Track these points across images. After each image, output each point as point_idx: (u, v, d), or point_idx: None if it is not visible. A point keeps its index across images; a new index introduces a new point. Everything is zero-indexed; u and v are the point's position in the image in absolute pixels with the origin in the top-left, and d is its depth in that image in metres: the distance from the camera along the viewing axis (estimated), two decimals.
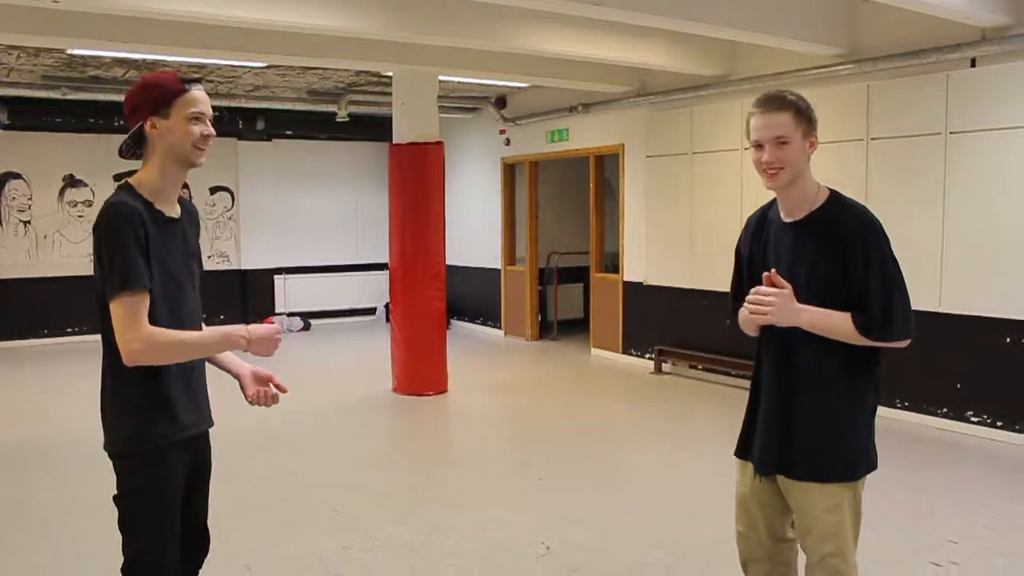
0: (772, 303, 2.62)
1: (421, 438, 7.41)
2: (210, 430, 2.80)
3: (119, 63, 9.12)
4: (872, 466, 2.78)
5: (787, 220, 2.76)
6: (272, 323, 2.83)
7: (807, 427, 2.72)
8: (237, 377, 2.79)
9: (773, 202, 2.86)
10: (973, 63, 6.68)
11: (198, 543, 2.80)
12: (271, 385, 2.80)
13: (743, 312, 2.76)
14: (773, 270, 2.66)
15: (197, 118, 2.56)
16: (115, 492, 2.56)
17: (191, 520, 2.74)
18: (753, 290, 2.68)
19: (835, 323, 2.62)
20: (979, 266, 6.67)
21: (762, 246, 2.85)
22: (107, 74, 9.74)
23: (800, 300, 2.63)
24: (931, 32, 6.72)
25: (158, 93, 2.54)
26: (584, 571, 4.32)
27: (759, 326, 2.76)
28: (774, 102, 2.65)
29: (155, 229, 2.50)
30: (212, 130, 2.61)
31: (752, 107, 2.70)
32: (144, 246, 2.44)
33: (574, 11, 6.37)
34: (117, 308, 2.40)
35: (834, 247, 2.64)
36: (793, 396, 2.74)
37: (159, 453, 2.54)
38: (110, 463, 2.59)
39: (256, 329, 2.59)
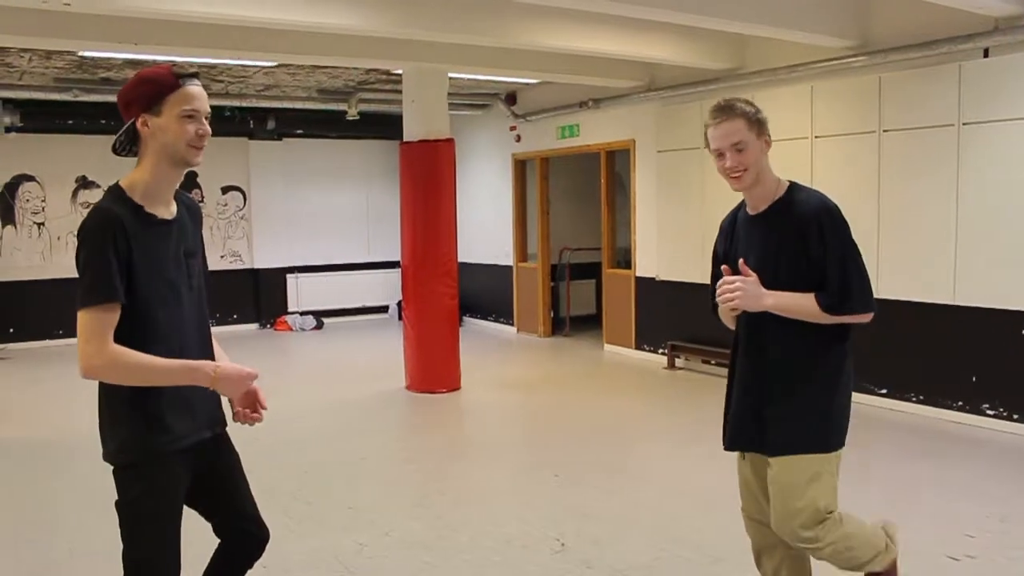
0: (738, 288, 2.78)
1: (434, 435, 7.42)
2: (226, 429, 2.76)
3: (130, 64, 9.15)
4: (842, 440, 2.89)
5: (752, 214, 2.96)
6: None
7: (777, 402, 2.85)
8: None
9: (742, 203, 3.05)
10: (986, 53, 6.63)
11: (252, 534, 2.84)
12: (257, 401, 2.72)
13: (721, 306, 2.94)
14: (741, 260, 2.83)
15: (191, 116, 2.45)
16: (116, 499, 2.53)
17: (242, 512, 2.78)
18: (720, 280, 2.86)
19: (799, 304, 2.77)
20: (993, 258, 6.62)
21: (734, 243, 3.03)
22: (118, 76, 9.78)
23: (770, 286, 2.79)
24: (943, 22, 6.68)
25: (149, 89, 2.43)
26: (598, 566, 4.31)
27: (735, 318, 2.96)
28: (725, 112, 2.87)
29: (145, 235, 2.42)
30: (208, 129, 2.49)
31: (707, 119, 2.93)
32: (125, 258, 2.36)
33: (583, 6, 6.37)
34: (82, 320, 2.32)
35: (794, 233, 2.81)
36: (766, 376, 2.88)
37: (153, 463, 2.48)
38: None
39: (225, 369, 2.47)
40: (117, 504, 2.52)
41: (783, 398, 2.84)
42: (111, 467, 2.53)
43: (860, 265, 2.79)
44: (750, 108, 2.87)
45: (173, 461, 2.51)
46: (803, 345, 2.83)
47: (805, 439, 2.81)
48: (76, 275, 2.38)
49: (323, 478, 5.94)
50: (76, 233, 2.41)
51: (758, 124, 2.85)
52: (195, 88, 2.47)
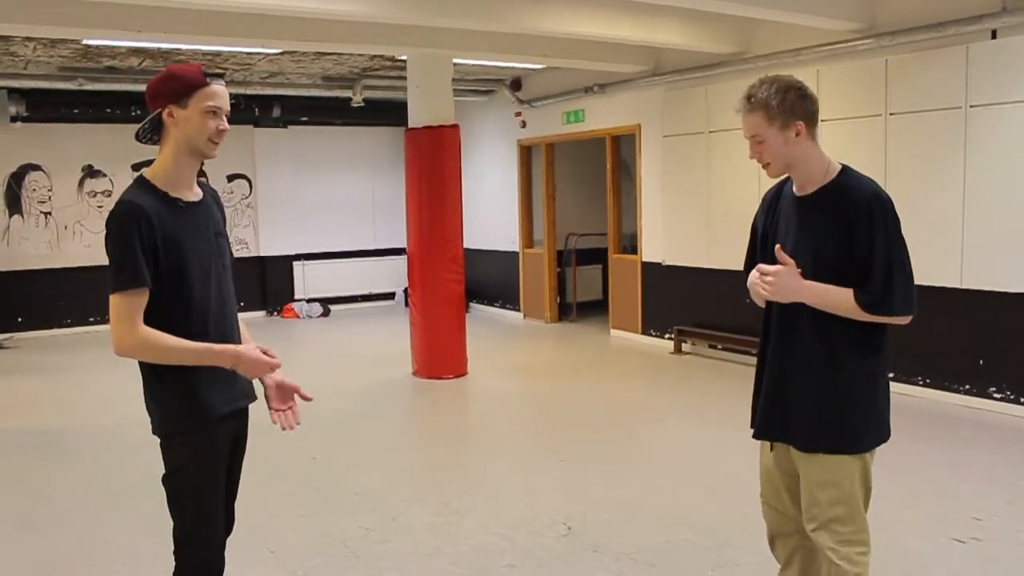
0: (772, 282, 2.67)
1: (441, 421, 7.44)
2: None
3: (134, 52, 9.15)
4: (880, 438, 2.78)
5: (798, 195, 2.81)
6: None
7: (808, 398, 2.75)
8: (264, 385, 2.83)
9: (789, 178, 2.89)
10: (994, 35, 6.59)
11: (229, 520, 2.86)
12: (295, 397, 2.92)
13: (751, 282, 2.81)
14: (779, 245, 2.70)
15: (214, 112, 2.63)
16: (163, 473, 2.65)
17: (229, 501, 2.83)
18: (756, 267, 2.75)
19: (836, 298, 2.64)
20: (1001, 241, 6.59)
21: (775, 220, 2.89)
22: (123, 64, 9.78)
23: (807, 273, 2.66)
24: (950, 4, 6.64)
25: (180, 84, 2.60)
26: (605, 550, 4.33)
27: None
28: (746, 103, 2.73)
29: (173, 218, 2.58)
30: (227, 125, 2.67)
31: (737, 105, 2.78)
32: (151, 244, 2.51)
33: None
34: (113, 303, 2.50)
35: (840, 221, 2.66)
36: (795, 367, 2.78)
37: (200, 430, 2.62)
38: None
39: (247, 354, 2.62)
40: (165, 477, 2.65)
41: (812, 392, 2.74)
42: (159, 439, 2.65)
43: (907, 265, 2.65)
44: (773, 99, 2.69)
45: (216, 427, 2.66)
46: (836, 338, 2.70)
47: (831, 438, 2.71)
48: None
49: (330, 464, 5.96)
50: (105, 223, 2.56)
51: (783, 114, 2.68)
52: (220, 87, 2.66)
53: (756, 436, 2.93)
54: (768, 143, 2.72)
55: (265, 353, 2.66)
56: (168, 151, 2.64)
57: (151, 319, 2.52)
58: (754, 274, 2.76)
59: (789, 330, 2.79)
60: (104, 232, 2.56)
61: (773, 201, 2.94)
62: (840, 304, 2.64)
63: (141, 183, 2.62)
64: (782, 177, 2.93)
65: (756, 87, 2.74)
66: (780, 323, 2.82)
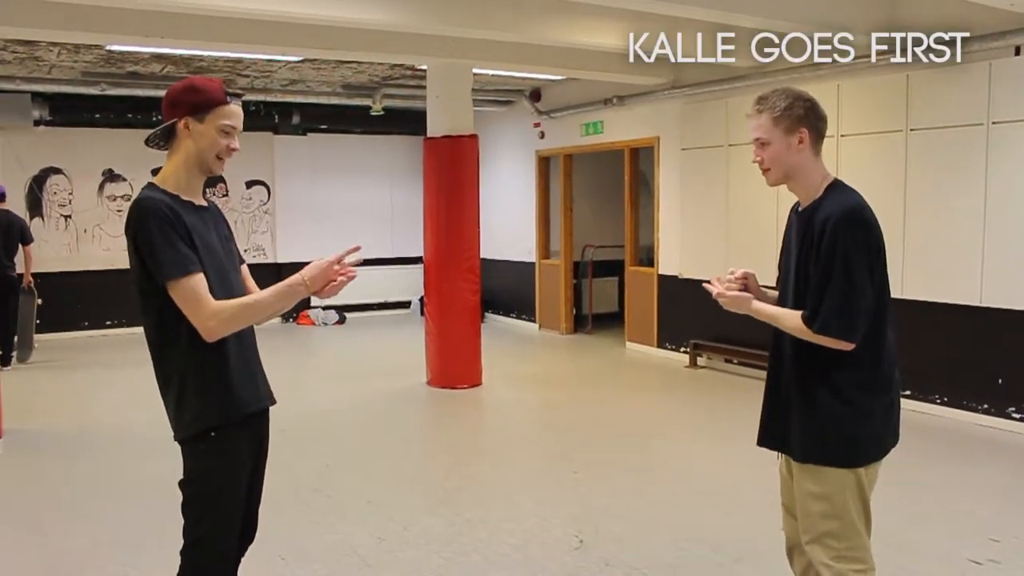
0: (719, 295, 2.85)
1: (455, 431, 7.43)
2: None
3: (157, 59, 9.22)
4: (873, 455, 2.75)
5: (799, 210, 2.88)
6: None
7: (801, 410, 2.78)
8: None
9: None
10: (1017, 51, 6.55)
11: (247, 530, 2.85)
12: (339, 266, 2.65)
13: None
14: (734, 272, 2.93)
15: (228, 131, 2.65)
16: (181, 477, 2.64)
17: (252, 508, 2.83)
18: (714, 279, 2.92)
19: (780, 317, 2.76)
20: (1021, 260, 6.53)
21: (787, 234, 2.97)
22: (145, 70, 9.85)
23: (801, 290, 2.74)
24: (973, 20, 6.59)
25: (200, 98, 2.62)
26: (617, 564, 4.30)
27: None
28: (757, 104, 2.80)
29: (190, 217, 2.60)
30: (238, 145, 2.70)
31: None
32: (185, 233, 2.53)
33: (609, 2, 6.33)
34: (178, 295, 2.49)
35: (810, 239, 2.71)
36: (790, 379, 2.81)
37: (223, 433, 2.61)
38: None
39: (309, 271, 2.61)
40: (184, 483, 2.63)
41: (802, 403, 2.75)
42: (181, 443, 2.63)
43: (844, 285, 2.59)
44: (780, 102, 2.75)
45: (240, 431, 2.67)
46: (825, 353, 2.68)
47: (820, 450, 2.71)
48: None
49: (344, 472, 5.96)
50: (125, 229, 2.57)
51: (789, 119, 2.73)
52: (238, 107, 2.68)
53: (758, 443, 2.97)
54: (772, 146, 2.76)
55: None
56: (178, 160, 2.66)
57: (177, 313, 2.50)
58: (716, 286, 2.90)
59: (783, 343, 2.84)
60: (132, 232, 2.54)
61: (790, 216, 2.98)
62: (786, 323, 2.74)
63: (152, 187, 2.64)
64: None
65: (768, 93, 2.81)
66: (775, 333, 2.88)
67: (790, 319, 2.72)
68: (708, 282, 2.98)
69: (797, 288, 2.77)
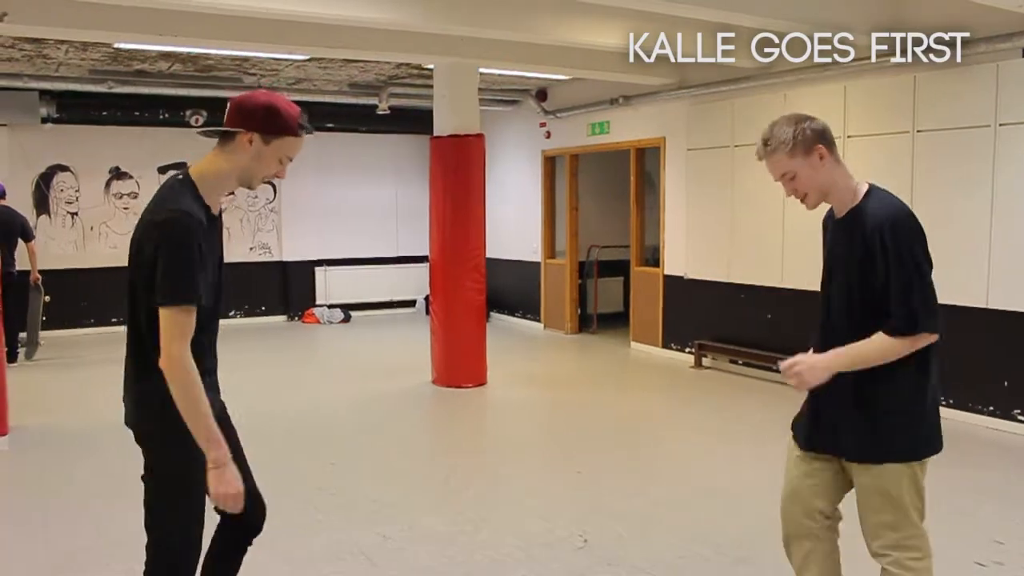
0: (796, 375, 2.77)
1: (460, 430, 7.43)
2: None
3: (164, 57, 9.24)
4: (930, 449, 2.84)
5: (837, 217, 2.90)
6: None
7: (854, 410, 2.81)
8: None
9: None
10: None
11: (260, 506, 2.89)
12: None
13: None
14: (782, 363, 2.82)
15: (284, 162, 2.69)
16: (149, 470, 2.64)
17: (251, 486, 2.81)
18: (781, 364, 2.83)
19: (863, 350, 2.72)
20: None
21: (826, 241, 2.99)
22: (152, 68, 9.87)
23: (846, 297, 2.79)
24: (980, 21, 6.58)
25: (278, 122, 2.60)
26: (621, 564, 4.30)
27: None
28: (765, 147, 2.82)
29: (208, 236, 2.58)
30: (285, 173, 2.75)
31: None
32: (202, 261, 2.51)
33: (615, 2, 6.33)
34: (170, 318, 2.46)
35: (863, 244, 2.73)
36: (843, 381, 2.79)
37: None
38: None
39: (226, 473, 2.53)
40: (156, 475, 2.63)
41: (855, 403, 2.80)
42: (149, 435, 2.64)
43: (926, 281, 2.68)
44: (783, 135, 2.78)
45: None
46: None
47: (877, 450, 2.78)
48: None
49: (348, 470, 5.97)
50: (158, 226, 2.50)
51: (802, 145, 2.77)
52: (302, 142, 2.70)
53: (803, 447, 2.97)
54: (800, 175, 2.80)
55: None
56: (225, 166, 2.63)
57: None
58: (784, 367, 2.82)
59: (828, 341, 2.84)
60: (161, 242, 2.48)
61: (826, 222, 3.01)
62: (869, 352, 2.71)
63: (189, 185, 2.58)
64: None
65: (767, 132, 2.83)
66: (822, 333, 2.90)
67: (874, 346, 2.70)
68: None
69: (850, 295, 2.78)
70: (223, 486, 2.54)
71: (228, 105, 2.66)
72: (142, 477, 2.65)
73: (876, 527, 2.82)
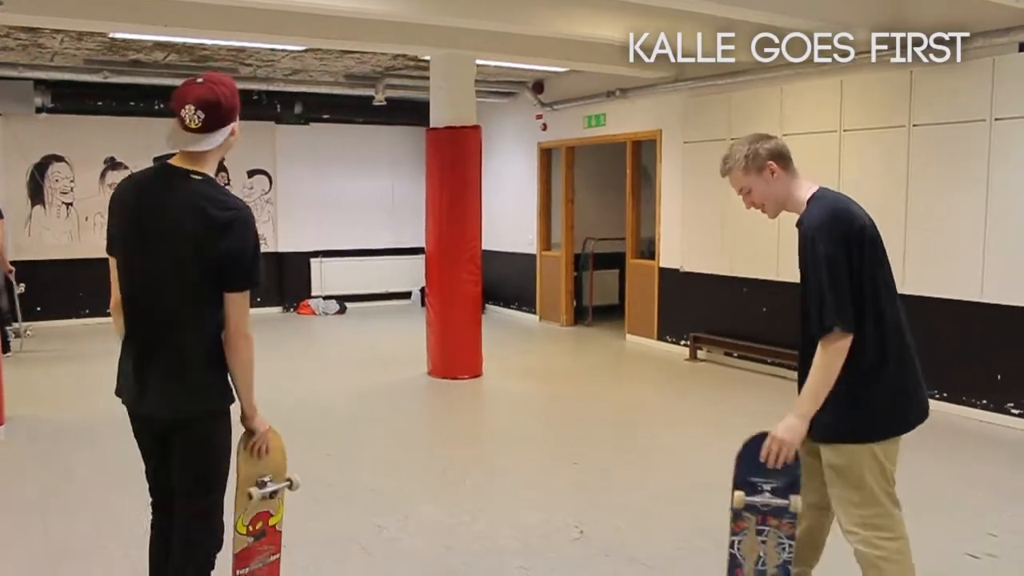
0: (779, 450, 2.91)
1: (456, 421, 7.45)
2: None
3: (160, 47, 9.21)
4: (887, 432, 2.92)
5: (796, 224, 3.06)
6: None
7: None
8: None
9: None
10: (1021, 47, 6.54)
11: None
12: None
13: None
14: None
15: None
16: (201, 451, 2.83)
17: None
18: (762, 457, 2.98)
19: (815, 385, 2.84)
20: (1022, 255, 6.54)
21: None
22: (148, 58, 9.84)
23: (804, 298, 2.93)
24: (977, 16, 6.59)
25: (239, 100, 2.82)
26: (617, 555, 4.32)
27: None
28: (723, 167, 3.14)
29: None
30: None
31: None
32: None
33: None
34: (242, 301, 2.78)
35: (801, 250, 2.93)
36: (804, 366, 2.95)
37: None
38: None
39: (264, 437, 2.98)
40: (207, 456, 2.86)
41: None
42: (204, 419, 2.84)
43: (825, 284, 2.79)
44: (736, 153, 3.05)
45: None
46: None
47: (834, 430, 2.90)
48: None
49: (344, 461, 5.98)
50: (241, 215, 2.74)
51: (754, 163, 3.01)
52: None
53: None
54: (754, 190, 3.07)
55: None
56: (214, 161, 2.80)
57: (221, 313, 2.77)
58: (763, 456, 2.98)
59: (801, 330, 3.00)
60: (237, 229, 2.71)
61: None
62: (816, 378, 2.83)
63: (218, 186, 2.81)
64: None
65: (727, 152, 3.12)
66: (804, 342, 3.00)
67: (816, 369, 2.84)
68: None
69: (806, 300, 2.92)
70: (264, 425, 2.95)
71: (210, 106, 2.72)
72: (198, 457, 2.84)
73: (841, 504, 2.94)
